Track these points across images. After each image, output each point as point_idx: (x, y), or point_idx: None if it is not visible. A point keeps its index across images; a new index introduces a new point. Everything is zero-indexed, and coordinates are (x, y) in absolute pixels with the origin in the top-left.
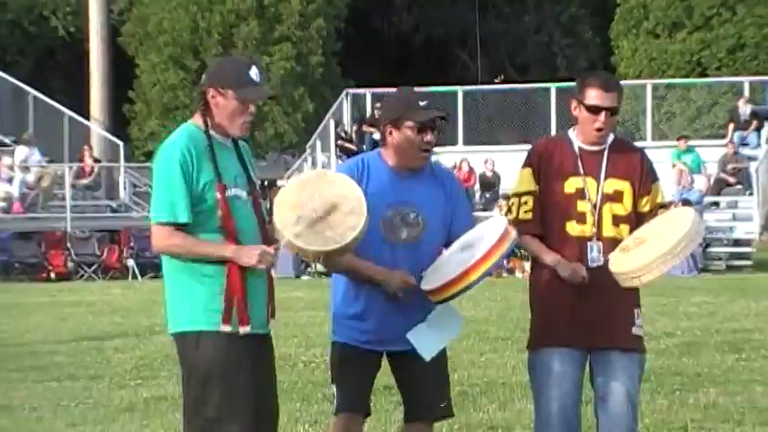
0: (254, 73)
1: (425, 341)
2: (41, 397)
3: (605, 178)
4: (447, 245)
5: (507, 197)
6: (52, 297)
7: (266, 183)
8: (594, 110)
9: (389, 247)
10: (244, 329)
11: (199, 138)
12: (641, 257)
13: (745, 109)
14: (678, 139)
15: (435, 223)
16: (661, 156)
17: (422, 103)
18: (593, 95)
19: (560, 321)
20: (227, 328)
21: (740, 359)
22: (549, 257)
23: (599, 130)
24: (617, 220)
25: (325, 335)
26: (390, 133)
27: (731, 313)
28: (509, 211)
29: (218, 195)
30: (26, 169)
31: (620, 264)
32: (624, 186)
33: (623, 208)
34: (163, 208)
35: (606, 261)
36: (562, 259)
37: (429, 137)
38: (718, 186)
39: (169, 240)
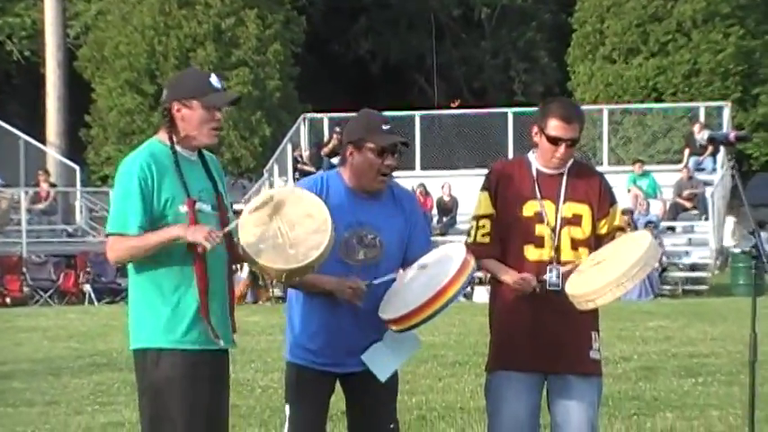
0: (214, 80)
1: (381, 362)
2: None
3: (564, 202)
4: (403, 266)
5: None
6: (8, 323)
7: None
8: (555, 141)
9: (345, 268)
10: (219, 343)
11: (162, 153)
12: (596, 281)
13: (702, 134)
14: (633, 164)
15: (393, 246)
16: (617, 181)
17: (385, 127)
18: (554, 126)
19: (519, 345)
20: (220, 343)
21: (697, 383)
22: (506, 276)
23: (558, 159)
24: (576, 244)
25: (284, 360)
26: (351, 154)
27: (687, 338)
28: (468, 234)
29: (187, 210)
30: None
31: (575, 287)
32: (583, 210)
33: (582, 232)
34: (115, 220)
35: (564, 285)
36: (517, 275)
37: (389, 161)
38: (675, 211)
39: (120, 245)
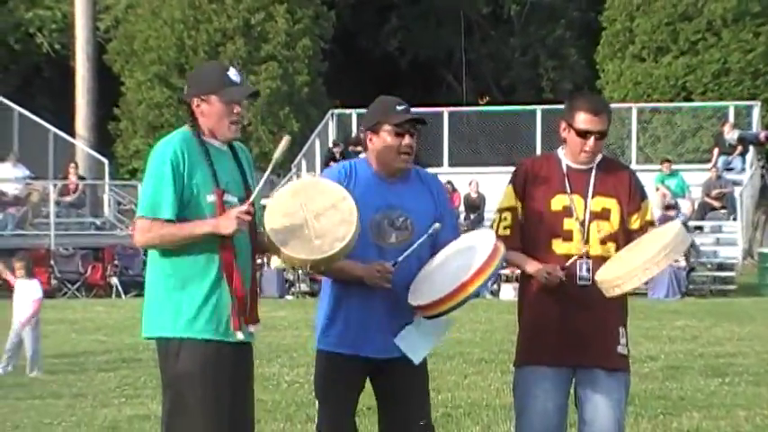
0: (232, 74)
1: (414, 344)
2: (24, 415)
3: (593, 196)
4: (432, 251)
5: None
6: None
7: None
8: (584, 134)
9: (378, 251)
10: (240, 335)
11: (193, 142)
12: (623, 266)
13: (732, 134)
14: (662, 163)
15: (423, 228)
16: (646, 179)
17: (399, 108)
18: (583, 119)
19: (546, 339)
20: (240, 336)
21: (723, 383)
22: (531, 267)
23: (588, 153)
24: (604, 238)
25: (310, 354)
26: (371, 140)
27: (715, 337)
28: (491, 226)
29: (215, 200)
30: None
31: (602, 273)
32: (612, 204)
33: (611, 226)
34: (147, 203)
35: (594, 279)
36: (541, 267)
37: (407, 140)
38: (703, 211)
39: (149, 232)
